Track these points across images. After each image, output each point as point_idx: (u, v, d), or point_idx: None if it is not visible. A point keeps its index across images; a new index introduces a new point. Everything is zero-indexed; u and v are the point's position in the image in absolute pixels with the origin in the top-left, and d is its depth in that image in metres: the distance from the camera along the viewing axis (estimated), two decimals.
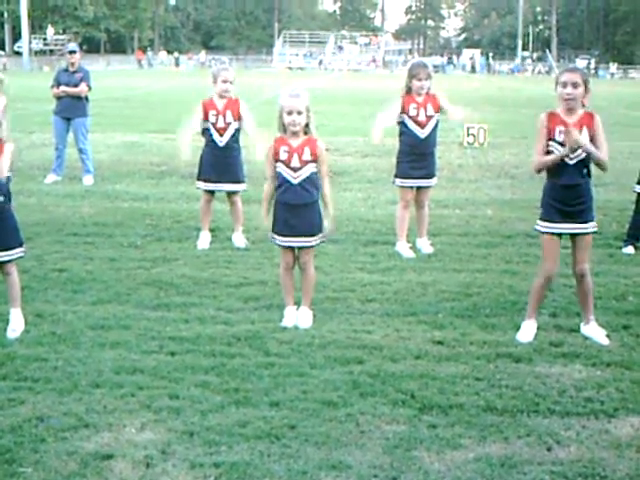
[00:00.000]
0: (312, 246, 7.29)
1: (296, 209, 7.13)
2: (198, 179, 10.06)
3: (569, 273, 7.32)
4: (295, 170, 7.07)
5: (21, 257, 6.97)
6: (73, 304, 7.65)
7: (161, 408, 5.47)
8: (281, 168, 7.09)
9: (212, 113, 9.76)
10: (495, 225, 11.31)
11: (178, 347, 6.56)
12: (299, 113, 6.95)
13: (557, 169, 6.75)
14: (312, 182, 7.12)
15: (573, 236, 6.90)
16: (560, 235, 6.88)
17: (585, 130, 6.70)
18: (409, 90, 9.53)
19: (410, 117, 9.50)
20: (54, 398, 5.61)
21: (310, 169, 7.09)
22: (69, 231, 10.58)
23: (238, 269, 8.93)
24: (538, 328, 7.01)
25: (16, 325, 6.91)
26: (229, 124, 9.75)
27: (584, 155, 6.71)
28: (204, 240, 10.05)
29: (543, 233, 6.89)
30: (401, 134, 9.63)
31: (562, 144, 6.70)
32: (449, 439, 5.10)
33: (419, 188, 9.76)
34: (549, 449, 5.03)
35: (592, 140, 6.71)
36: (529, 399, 5.70)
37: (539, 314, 7.17)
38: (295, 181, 7.08)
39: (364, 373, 6.08)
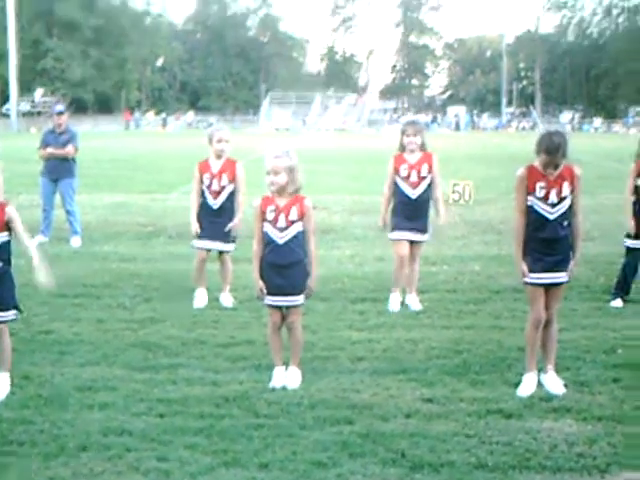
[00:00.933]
0: (299, 305, 7.27)
1: (282, 269, 7.11)
2: (194, 238, 10.08)
3: (558, 327, 7.30)
4: (281, 230, 7.06)
5: (14, 320, 6.94)
6: (60, 366, 7.59)
7: (149, 470, 5.41)
8: (267, 228, 7.09)
9: (206, 176, 9.81)
10: (483, 281, 11.32)
11: (166, 409, 6.51)
12: (276, 173, 6.96)
13: (538, 224, 6.84)
14: (298, 242, 7.11)
15: (549, 284, 7.03)
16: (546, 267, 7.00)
17: (566, 185, 6.80)
18: (403, 148, 9.65)
19: (402, 178, 9.59)
20: (40, 462, 5.54)
21: (297, 228, 7.08)
22: (57, 292, 10.47)
23: (226, 329, 8.89)
24: None
25: (1, 388, 6.84)
26: (224, 187, 9.78)
27: (564, 209, 6.79)
28: (201, 299, 10.00)
29: (528, 284, 7.00)
30: (394, 192, 9.72)
31: (542, 199, 6.78)
32: None
33: (412, 242, 9.80)
34: None
35: (572, 193, 6.81)
36: (520, 455, 5.66)
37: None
38: (281, 241, 7.07)
39: (354, 433, 6.03)
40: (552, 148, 6.67)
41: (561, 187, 6.80)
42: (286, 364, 7.30)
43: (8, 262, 6.83)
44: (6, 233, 6.75)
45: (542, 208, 6.82)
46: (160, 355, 7.97)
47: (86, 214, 16.98)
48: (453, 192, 20.74)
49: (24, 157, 28.08)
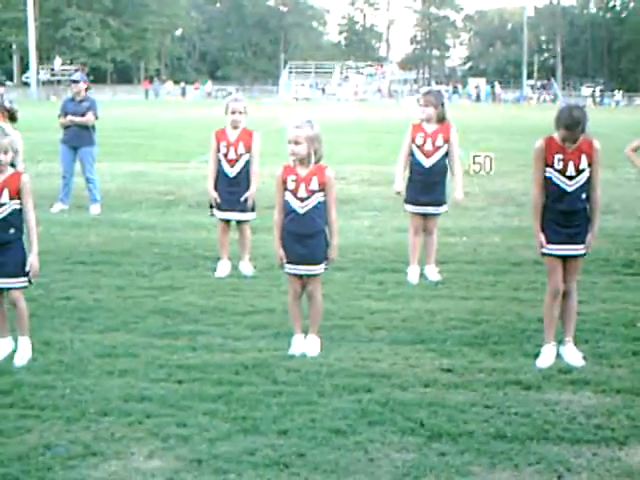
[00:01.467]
0: (318, 274, 7.28)
1: (303, 238, 7.13)
2: (211, 207, 10.09)
3: (578, 300, 7.28)
4: (302, 200, 7.08)
5: (25, 287, 6.98)
6: (80, 332, 7.64)
7: (169, 436, 5.44)
8: (288, 197, 7.11)
9: (223, 144, 9.79)
10: (503, 252, 11.29)
11: (186, 375, 6.54)
12: (297, 143, 6.97)
13: (557, 196, 6.83)
14: (319, 212, 7.13)
15: (567, 256, 7.01)
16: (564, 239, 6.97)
17: (584, 158, 6.75)
18: (420, 118, 9.65)
19: (417, 146, 9.58)
20: (61, 426, 5.59)
21: (317, 198, 7.10)
22: (76, 259, 10.59)
23: (245, 297, 8.92)
24: None
25: (23, 353, 6.91)
26: (240, 155, 9.76)
27: (582, 182, 6.76)
28: (223, 268, 10.00)
29: (546, 255, 7.01)
30: (410, 162, 9.70)
31: (560, 172, 6.75)
32: (459, 467, 5.07)
33: (427, 215, 9.79)
34: (559, 477, 4.98)
35: (590, 166, 6.76)
36: (538, 426, 5.66)
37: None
38: (302, 211, 7.09)
39: (373, 401, 6.05)
40: (571, 123, 6.63)
41: (579, 160, 6.77)
42: (306, 332, 7.32)
43: (20, 229, 6.87)
44: (19, 201, 6.80)
45: (560, 180, 6.80)
46: (180, 322, 8.00)
47: (106, 182, 17.03)
48: (474, 163, 20.67)
49: (44, 125, 28.15)
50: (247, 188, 9.84)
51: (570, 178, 6.78)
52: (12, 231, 6.80)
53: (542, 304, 7.27)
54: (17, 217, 6.83)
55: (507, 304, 8.70)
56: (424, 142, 9.57)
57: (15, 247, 6.87)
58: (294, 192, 7.08)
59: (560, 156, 6.76)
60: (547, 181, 6.85)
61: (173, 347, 7.24)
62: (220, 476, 4.91)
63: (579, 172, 6.77)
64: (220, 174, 9.88)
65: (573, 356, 6.97)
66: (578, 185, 6.79)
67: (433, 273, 9.86)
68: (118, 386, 6.29)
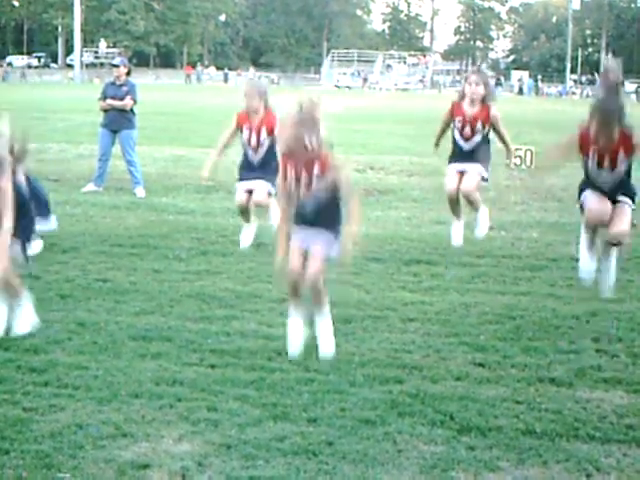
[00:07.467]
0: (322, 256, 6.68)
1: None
2: (237, 182, 10.23)
3: (614, 298, 7.22)
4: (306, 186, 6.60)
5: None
6: (115, 314, 7.70)
7: (199, 420, 5.48)
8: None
9: (245, 127, 9.86)
10: (541, 248, 11.21)
11: (218, 360, 6.58)
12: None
13: (592, 177, 6.74)
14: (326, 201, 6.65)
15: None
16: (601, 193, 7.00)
17: (621, 151, 6.60)
18: (463, 96, 9.64)
19: (456, 128, 9.68)
20: (93, 406, 5.65)
21: (320, 184, 6.57)
22: (114, 242, 10.67)
23: (280, 284, 8.93)
24: (579, 352, 6.96)
25: (21, 321, 7.01)
26: (263, 140, 9.77)
27: (619, 175, 6.61)
28: (247, 234, 10.18)
29: (581, 197, 7.09)
30: (451, 136, 9.86)
31: (596, 163, 6.67)
32: (487, 461, 5.06)
33: (464, 172, 9.89)
34: (588, 476, 4.95)
35: (628, 156, 6.63)
36: (569, 424, 5.62)
37: (582, 338, 7.13)
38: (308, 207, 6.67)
39: (403, 393, 6.05)
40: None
41: (617, 154, 6.57)
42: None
43: (23, 212, 6.94)
44: None
45: (593, 168, 6.72)
46: (215, 307, 8.04)
47: (146, 166, 17.09)
48: (515, 157, 20.51)
49: (86, 107, 28.34)
50: (273, 168, 9.59)
51: (604, 168, 6.64)
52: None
53: (578, 301, 7.18)
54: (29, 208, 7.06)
55: (543, 300, 8.64)
56: (462, 126, 9.65)
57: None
58: (296, 180, 6.60)
59: (594, 147, 6.65)
60: (584, 163, 6.83)
61: (207, 331, 7.28)
62: (248, 462, 4.94)
63: (615, 165, 6.61)
64: (244, 156, 9.99)
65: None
66: (612, 179, 6.67)
67: (484, 220, 10.45)
68: (151, 369, 6.34)
